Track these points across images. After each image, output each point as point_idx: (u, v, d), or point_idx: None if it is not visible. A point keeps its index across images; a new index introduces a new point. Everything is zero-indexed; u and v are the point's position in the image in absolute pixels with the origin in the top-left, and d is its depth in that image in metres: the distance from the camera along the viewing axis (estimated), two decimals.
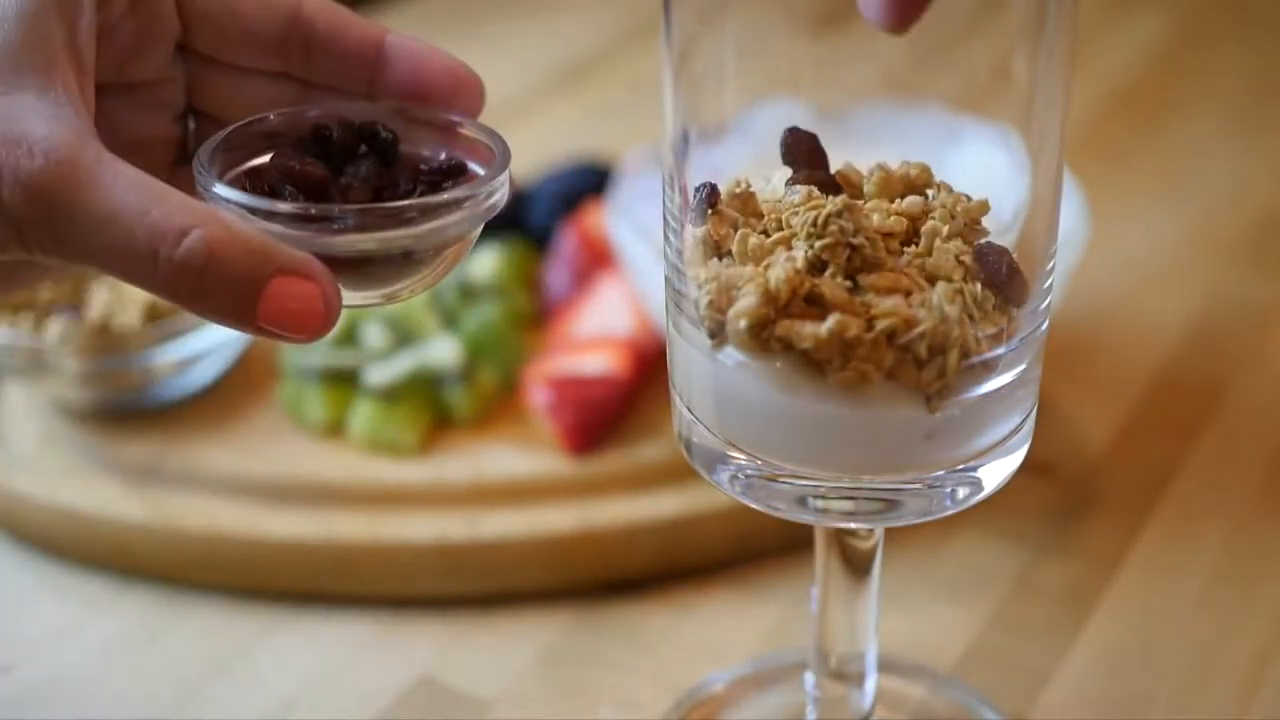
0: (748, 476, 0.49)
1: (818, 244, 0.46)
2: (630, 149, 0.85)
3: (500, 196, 0.47)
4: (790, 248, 0.47)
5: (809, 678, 0.58)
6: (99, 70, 0.47)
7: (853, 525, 0.53)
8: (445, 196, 0.46)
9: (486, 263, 0.80)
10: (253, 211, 0.45)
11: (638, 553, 0.69)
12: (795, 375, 0.46)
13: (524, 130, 0.97)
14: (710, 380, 0.48)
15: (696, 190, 0.48)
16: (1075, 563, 0.69)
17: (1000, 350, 0.47)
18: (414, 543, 0.68)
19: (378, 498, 0.70)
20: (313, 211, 0.45)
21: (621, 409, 0.73)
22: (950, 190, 0.49)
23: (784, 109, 0.50)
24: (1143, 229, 0.92)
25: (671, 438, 0.53)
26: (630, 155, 0.83)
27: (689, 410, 0.50)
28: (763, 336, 0.46)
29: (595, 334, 0.76)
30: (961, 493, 0.49)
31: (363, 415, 0.73)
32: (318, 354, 0.75)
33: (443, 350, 0.74)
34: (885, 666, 0.60)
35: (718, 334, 0.47)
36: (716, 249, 0.48)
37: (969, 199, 0.48)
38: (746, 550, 0.69)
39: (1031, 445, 0.51)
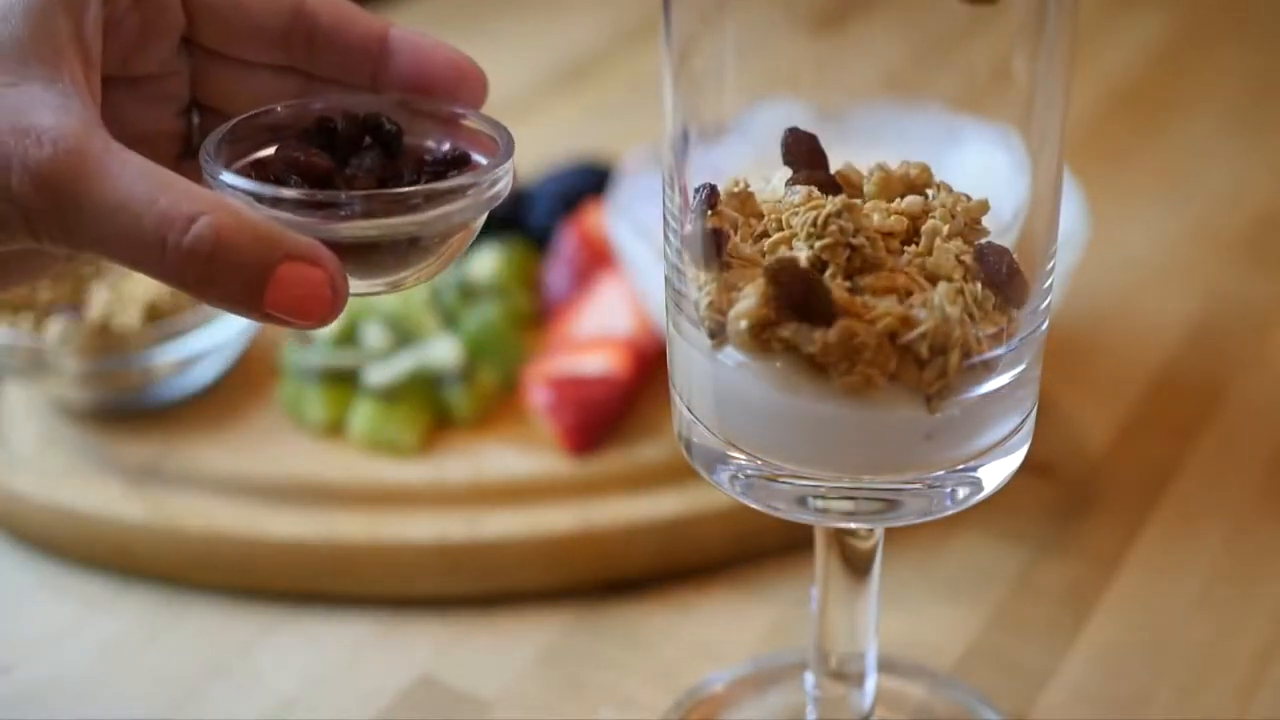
0: (748, 476, 0.49)
1: (818, 244, 0.46)
2: (630, 149, 0.85)
3: (505, 185, 0.48)
4: (791, 248, 0.47)
5: (809, 678, 0.58)
6: (105, 63, 0.47)
7: (853, 525, 0.53)
8: (450, 183, 0.46)
9: (486, 263, 0.80)
10: (259, 199, 0.45)
11: (638, 553, 0.69)
12: (795, 375, 0.46)
13: (524, 130, 0.96)
14: (710, 380, 0.48)
15: (696, 190, 0.48)
16: (1075, 563, 0.69)
17: (1000, 350, 0.47)
18: (414, 543, 0.68)
19: (378, 498, 0.70)
20: (319, 198, 0.45)
21: (621, 409, 0.73)
22: (950, 190, 0.49)
23: (784, 109, 0.50)
24: (1143, 229, 0.92)
25: (671, 438, 0.53)
26: (630, 155, 0.83)
27: (689, 410, 0.50)
28: (763, 337, 0.46)
29: (595, 334, 0.76)
30: (961, 493, 0.49)
31: (363, 415, 0.73)
32: (318, 354, 0.75)
33: (443, 350, 0.74)
34: (885, 666, 0.60)
35: (718, 334, 0.47)
36: (716, 249, 0.48)
37: (969, 199, 0.48)
38: (746, 550, 0.69)
39: (1031, 445, 0.51)
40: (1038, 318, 0.49)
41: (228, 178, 0.46)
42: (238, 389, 0.77)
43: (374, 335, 0.76)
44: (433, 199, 0.46)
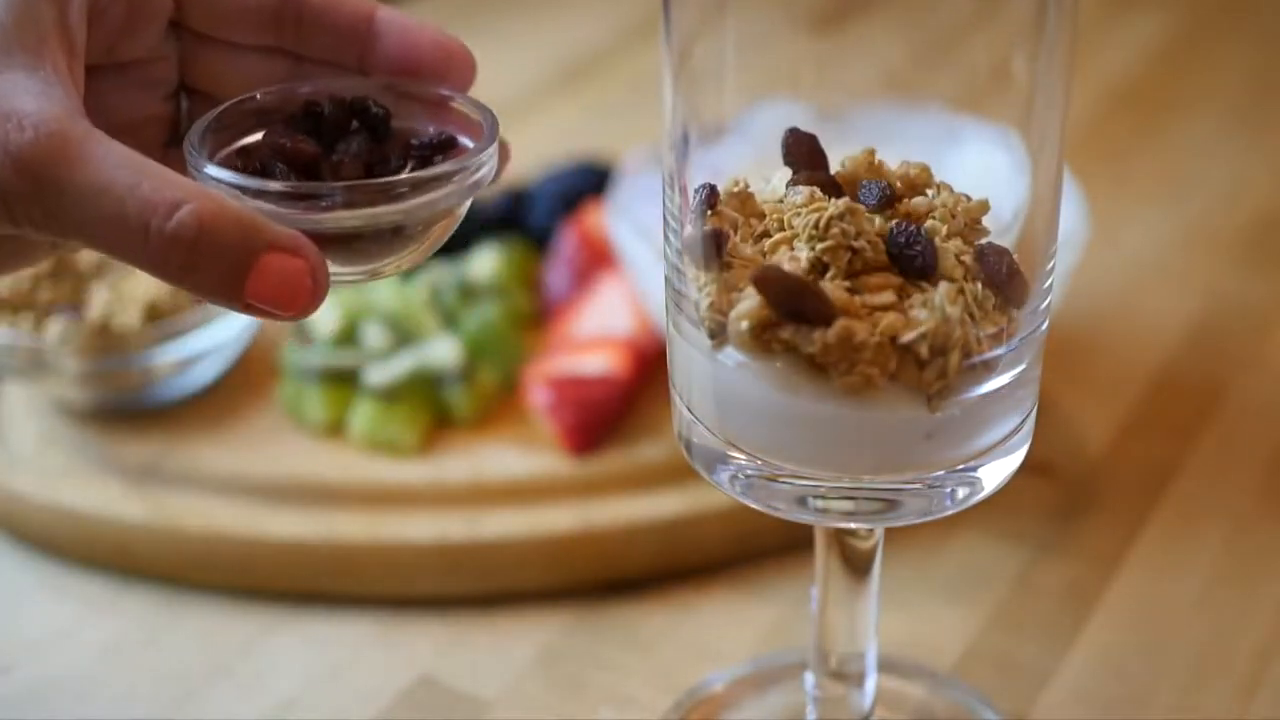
0: (748, 476, 0.49)
1: (819, 246, 0.46)
2: (630, 149, 0.85)
3: (488, 170, 0.47)
4: (792, 248, 0.47)
5: (809, 678, 0.58)
6: (90, 51, 0.47)
7: (853, 525, 0.53)
8: (432, 171, 0.46)
9: (486, 263, 0.80)
10: (242, 190, 0.45)
11: (638, 553, 0.69)
12: (796, 376, 0.46)
13: (524, 130, 0.97)
14: (710, 380, 0.48)
15: (696, 190, 0.48)
16: (1075, 563, 0.69)
17: (1000, 350, 0.47)
18: (414, 543, 0.68)
19: (378, 498, 0.70)
20: (302, 189, 0.45)
21: (621, 409, 0.73)
22: (950, 190, 0.49)
23: (784, 109, 0.50)
24: (1143, 229, 0.92)
25: (671, 438, 0.53)
26: (630, 155, 0.83)
27: (689, 410, 0.50)
28: (764, 338, 0.46)
29: (595, 334, 0.76)
30: (961, 493, 0.49)
31: (363, 415, 0.73)
32: (318, 354, 0.75)
33: (443, 350, 0.74)
34: (885, 666, 0.60)
35: (718, 334, 0.47)
36: (717, 249, 0.48)
37: (969, 199, 0.48)
38: (746, 550, 0.69)
39: (1031, 445, 0.51)
40: (1038, 318, 0.49)
41: (212, 170, 0.46)
42: (238, 389, 0.77)
43: (374, 335, 0.76)
44: (417, 187, 0.46)
